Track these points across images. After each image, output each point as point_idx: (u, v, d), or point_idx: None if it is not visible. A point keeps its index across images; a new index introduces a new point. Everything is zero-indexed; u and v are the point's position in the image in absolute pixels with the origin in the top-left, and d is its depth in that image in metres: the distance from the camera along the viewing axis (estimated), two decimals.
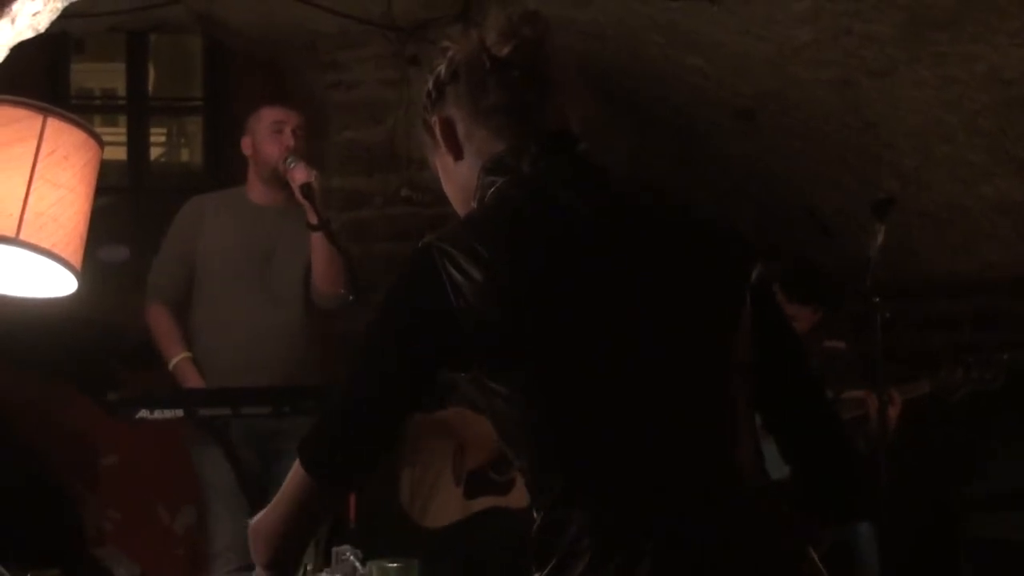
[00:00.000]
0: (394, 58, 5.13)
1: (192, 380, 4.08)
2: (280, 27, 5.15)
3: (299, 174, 3.83)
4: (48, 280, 2.11)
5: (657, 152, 5.33)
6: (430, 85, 1.85)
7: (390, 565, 2.23)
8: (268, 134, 4.13)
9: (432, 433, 4.12)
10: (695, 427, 1.70)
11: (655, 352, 1.70)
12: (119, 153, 5.99)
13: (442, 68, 1.83)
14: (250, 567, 2.36)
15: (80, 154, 2.06)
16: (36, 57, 5.21)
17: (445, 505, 4.19)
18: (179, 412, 3.64)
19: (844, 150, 4.76)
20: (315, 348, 4.18)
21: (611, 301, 1.70)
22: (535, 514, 1.72)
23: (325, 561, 2.45)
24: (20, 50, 2.38)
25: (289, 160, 3.89)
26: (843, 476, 1.91)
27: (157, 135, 7.57)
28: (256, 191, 4.21)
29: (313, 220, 3.80)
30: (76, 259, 2.08)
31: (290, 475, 1.75)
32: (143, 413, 3.56)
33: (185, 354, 4.12)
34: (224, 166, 5.62)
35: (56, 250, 2.02)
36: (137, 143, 5.97)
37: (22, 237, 1.98)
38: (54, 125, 2.03)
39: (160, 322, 4.19)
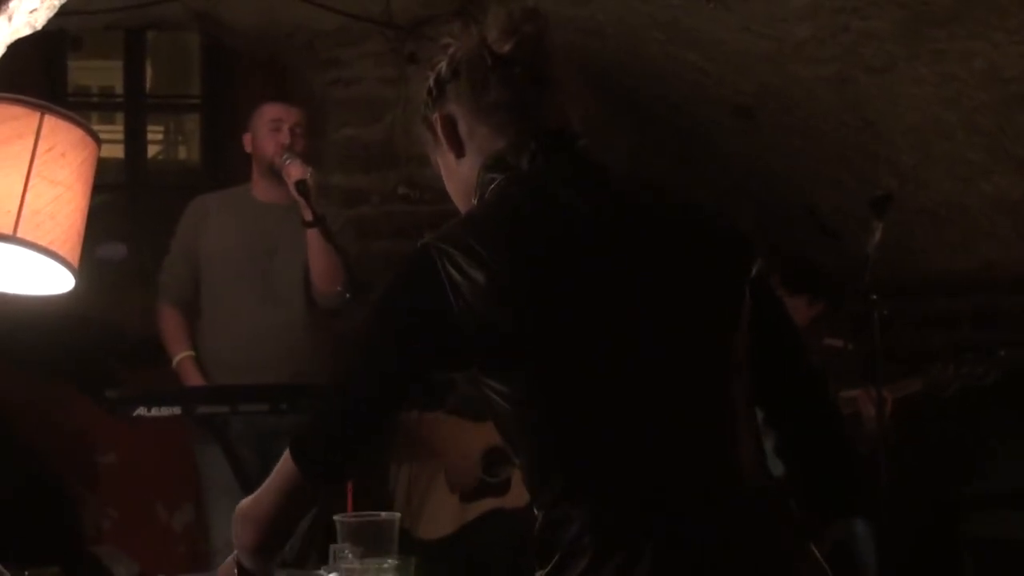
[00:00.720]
0: (393, 55, 5.13)
1: (193, 379, 4.09)
2: (279, 24, 5.15)
3: (294, 170, 3.84)
4: (45, 278, 2.10)
5: (657, 150, 5.33)
6: (431, 82, 1.85)
7: (388, 563, 2.23)
8: (266, 131, 4.14)
9: (424, 439, 4.12)
10: (695, 427, 1.70)
11: (655, 352, 1.70)
12: (116, 151, 5.98)
13: (443, 65, 1.83)
14: None
15: (77, 151, 2.06)
16: (33, 54, 5.21)
17: (440, 513, 4.18)
18: (177, 410, 3.64)
19: (843, 148, 4.76)
20: (318, 346, 4.18)
21: (611, 300, 1.69)
22: (536, 512, 1.72)
23: (323, 559, 2.44)
24: (17, 47, 2.38)
25: (285, 157, 3.90)
26: (842, 471, 1.91)
27: (154, 133, 7.55)
28: (260, 189, 4.21)
29: (308, 216, 3.81)
30: (73, 257, 2.07)
31: (279, 465, 1.75)
32: (141, 411, 3.57)
33: (187, 353, 4.13)
34: (222, 164, 5.62)
35: (53, 248, 2.02)
36: (134, 141, 5.96)
37: (19, 235, 1.98)
38: (51, 122, 2.02)
39: (168, 323, 4.21)
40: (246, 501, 1.82)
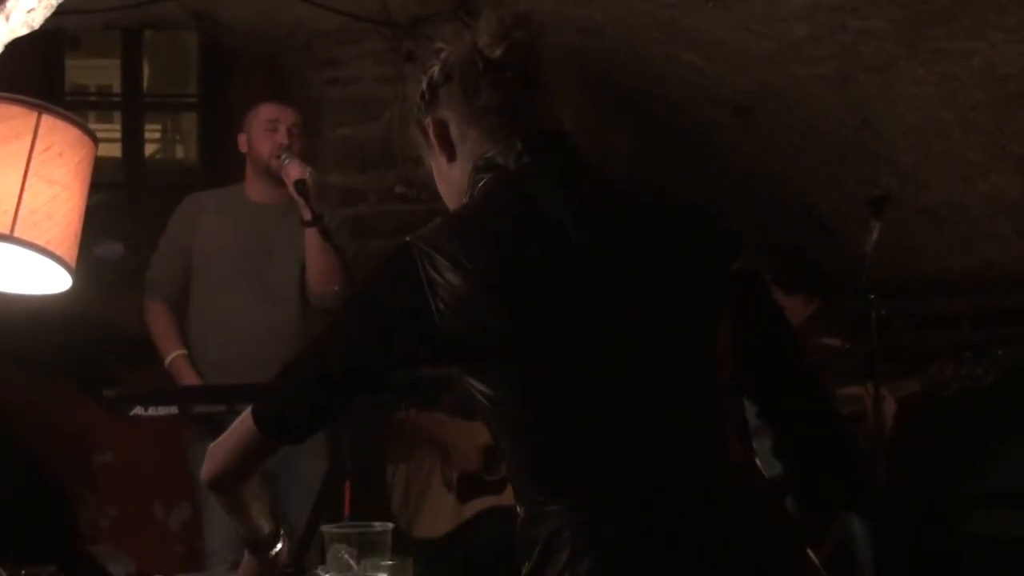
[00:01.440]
0: (391, 55, 5.13)
1: (187, 377, 4.08)
2: (276, 23, 5.14)
3: (293, 170, 3.82)
4: (43, 277, 2.10)
5: (657, 150, 5.32)
6: (424, 87, 1.87)
7: (385, 563, 2.23)
8: (262, 131, 4.12)
9: (420, 438, 4.12)
10: (694, 427, 1.70)
11: (654, 352, 1.70)
12: (114, 150, 5.98)
13: (435, 70, 1.85)
14: None
15: (75, 151, 2.06)
16: (31, 54, 5.20)
17: (438, 512, 4.18)
18: (174, 409, 3.64)
19: (843, 147, 4.76)
20: (304, 332, 4.18)
21: (605, 300, 1.70)
22: (518, 509, 1.73)
23: (320, 559, 2.44)
24: (15, 47, 2.37)
25: (283, 156, 3.89)
26: (840, 468, 1.91)
27: (152, 132, 7.55)
28: (254, 189, 4.20)
29: (307, 216, 3.80)
30: (71, 256, 2.07)
31: (243, 416, 1.83)
32: (138, 410, 3.56)
33: (180, 352, 4.12)
34: (219, 163, 5.61)
35: (51, 247, 2.01)
36: (132, 140, 5.95)
37: (16, 234, 1.97)
38: (48, 122, 2.02)
39: (157, 320, 4.19)
40: (217, 440, 1.90)
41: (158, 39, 6.72)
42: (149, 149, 6.81)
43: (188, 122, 7.13)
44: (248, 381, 3.91)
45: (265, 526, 2.05)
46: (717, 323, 1.76)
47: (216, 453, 1.88)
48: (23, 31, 2.36)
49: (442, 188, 1.93)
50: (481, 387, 1.72)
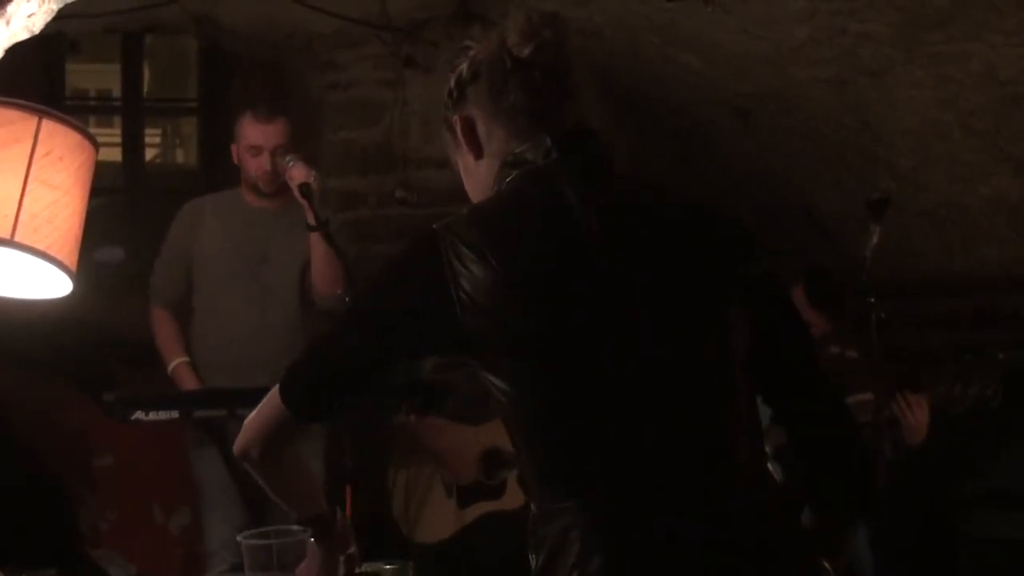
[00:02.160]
0: (390, 58, 5.13)
1: (188, 384, 4.08)
2: (276, 28, 5.14)
3: (297, 173, 3.81)
4: (43, 282, 2.10)
5: (657, 151, 5.32)
6: (452, 84, 1.87)
7: (386, 567, 2.23)
8: (246, 155, 4.12)
9: (421, 443, 4.12)
10: (695, 427, 1.71)
11: (655, 352, 1.70)
12: (114, 154, 5.98)
13: (464, 68, 1.84)
14: (243, 566, 2.36)
15: (75, 155, 2.06)
16: (31, 58, 5.21)
17: (438, 518, 4.18)
18: (175, 413, 3.64)
19: (842, 150, 4.76)
20: (304, 335, 4.19)
21: (611, 300, 1.70)
22: (532, 507, 1.73)
23: None
24: (15, 51, 2.37)
25: (288, 159, 3.87)
26: (851, 475, 1.90)
27: (152, 136, 7.57)
28: (249, 197, 4.21)
29: (311, 220, 3.79)
30: (71, 261, 2.07)
31: (271, 392, 1.85)
32: (139, 414, 3.57)
33: (182, 359, 4.13)
34: (219, 167, 5.60)
35: (51, 252, 2.01)
36: (132, 144, 5.96)
37: (17, 239, 1.97)
38: (49, 126, 2.02)
39: (160, 326, 4.20)
40: (251, 414, 1.91)
41: (158, 43, 6.74)
42: (149, 153, 6.82)
43: (188, 126, 7.15)
44: (249, 381, 3.96)
45: (318, 505, 2.06)
46: (733, 325, 1.76)
47: (248, 427, 1.90)
48: (23, 35, 2.36)
49: (468, 185, 1.93)
50: (497, 382, 1.72)
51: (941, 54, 4.09)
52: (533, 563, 1.72)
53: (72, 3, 2.41)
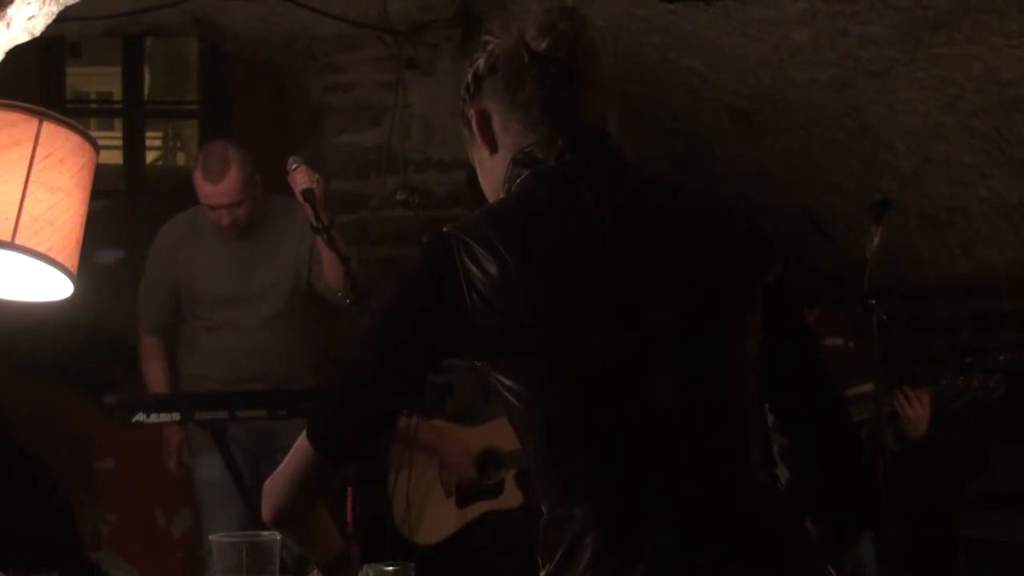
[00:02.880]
0: (391, 61, 5.13)
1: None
2: (276, 30, 5.14)
3: (300, 178, 3.79)
4: (44, 284, 2.10)
5: (656, 154, 5.32)
6: (468, 78, 1.85)
7: (387, 568, 2.22)
8: (206, 208, 4.13)
9: (420, 443, 4.12)
10: (711, 431, 1.70)
11: (674, 355, 1.69)
12: (115, 157, 5.99)
13: (481, 61, 1.83)
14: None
15: (76, 158, 2.06)
16: (32, 61, 5.21)
17: (438, 518, 4.19)
18: (176, 416, 3.65)
19: (843, 152, 4.76)
20: (302, 340, 4.25)
21: (627, 300, 1.69)
22: (542, 508, 1.72)
23: None
24: (16, 54, 2.37)
25: (291, 162, 3.87)
26: (857, 486, 1.90)
27: (153, 139, 7.57)
28: None
29: (314, 223, 3.79)
30: (72, 263, 2.07)
31: (297, 443, 1.77)
32: (140, 417, 3.57)
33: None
34: None
35: (52, 254, 2.01)
36: (133, 147, 5.96)
37: (18, 241, 1.97)
38: (50, 129, 2.02)
39: (149, 359, 4.28)
40: (272, 476, 1.83)
41: (159, 46, 6.73)
42: (150, 156, 6.82)
43: (189, 129, 7.15)
44: (246, 380, 4.04)
45: (338, 544, 1.97)
46: (747, 330, 1.76)
47: (273, 488, 1.81)
48: (24, 38, 2.36)
49: (483, 181, 1.91)
50: (510, 384, 1.71)
51: (942, 56, 4.08)
52: (542, 567, 1.70)
53: (73, 5, 2.41)
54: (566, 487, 1.68)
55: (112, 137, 6.36)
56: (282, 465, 1.80)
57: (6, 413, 4.59)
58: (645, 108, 5.20)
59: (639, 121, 5.25)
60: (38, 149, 2.00)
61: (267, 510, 1.82)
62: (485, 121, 1.84)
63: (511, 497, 4.17)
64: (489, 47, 1.82)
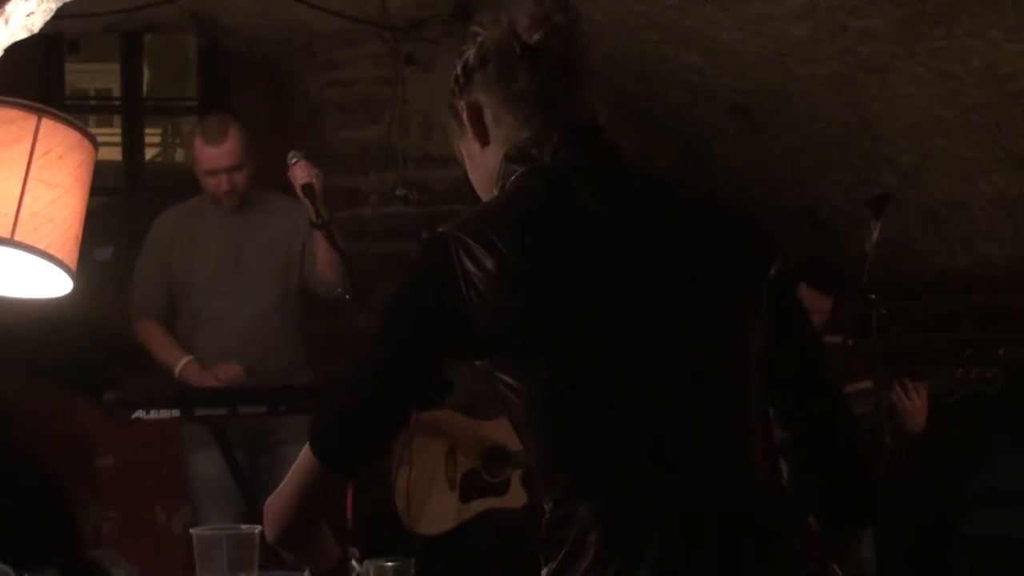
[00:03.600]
0: (390, 57, 5.13)
1: (203, 379, 4.09)
2: (275, 26, 5.14)
3: (300, 173, 3.80)
4: (43, 281, 2.10)
5: (655, 149, 5.32)
6: (459, 70, 1.82)
7: (387, 564, 2.22)
8: (204, 177, 4.14)
9: (424, 435, 4.12)
10: (714, 428, 1.69)
11: (675, 350, 1.69)
12: (114, 153, 5.98)
13: (471, 53, 1.80)
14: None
15: (75, 154, 2.05)
16: (30, 58, 5.20)
17: (440, 510, 4.18)
18: (175, 413, 3.65)
19: (842, 147, 4.76)
20: (296, 333, 4.26)
21: (627, 297, 1.69)
22: (544, 507, 1.71)
23: None
24: (14, 51, 2.37)
25: (291, 156, 3.87)
26: (858, 482, 1.90)
27: (152, 135, 7.57)
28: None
29: (313, 218, 3.79)
30: (71, 260, 2.07)
31: (300, 457, 1.74)
32: (139, 414, 3.57)
33: (188, 357, 4.13)
34: None
35: (51, 251, 2.01)
36: (132, 143, 5.96)
37: (17, 238, 1.97)
38: (48, 125, 2.02)
39: (152, 335, 4.24)
40: (272, 495, 1.80)
41: (157, 43, 6.73)
42: (149, 153, 6.81)
43: (188, 125, 7.14)
44: (245, 377, 4.03)
45: (335, 552, 1.93)
46: (748, 327, 1.75)
47: (276, 506, 1.78)
48: (22, 35, 2.36)
49: (473, 175, 1.89)
50: (509, 381, 1.70)
51: (941, 50, 4.08)
52: (544, 565, 1.69)
53: (71, 2, 2.41)
54: (568, 486, 1.67)
55: (111, 133, 6.36)
56: (284, 483, 1.77)
57: (6, 412, 4.59)
58: (645, 106, 5.20)
59: (638, 118, 5.25)
60: (37, 145, 2.00)
61: (272, 530, 1.79)
62: (476, 114, 1.82)
63: (516, 497, 4.16)
64: (479, 39, 1.80)
